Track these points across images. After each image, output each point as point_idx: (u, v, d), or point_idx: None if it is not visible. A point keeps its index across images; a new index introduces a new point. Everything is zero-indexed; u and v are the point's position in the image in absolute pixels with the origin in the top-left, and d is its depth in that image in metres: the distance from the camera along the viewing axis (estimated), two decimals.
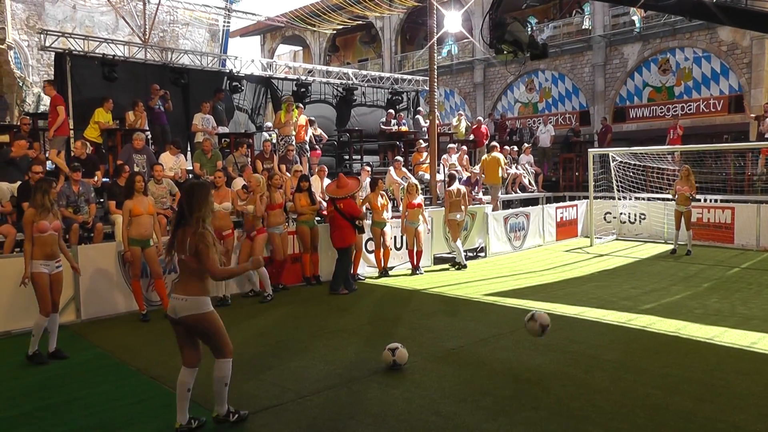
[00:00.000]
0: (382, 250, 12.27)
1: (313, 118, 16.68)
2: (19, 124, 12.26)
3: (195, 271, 4.94)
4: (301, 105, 16.13)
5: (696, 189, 14.29)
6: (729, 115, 23.58)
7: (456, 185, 13.19)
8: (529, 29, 10.34)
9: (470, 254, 14.52)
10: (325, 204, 12.15)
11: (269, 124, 16.88)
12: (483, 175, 16.81)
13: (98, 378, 6.65)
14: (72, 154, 12.34)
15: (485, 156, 17.32)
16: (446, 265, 13.53)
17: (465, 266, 13.14)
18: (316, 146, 16.17)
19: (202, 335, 5.04)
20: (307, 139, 15.56)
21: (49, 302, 7.13)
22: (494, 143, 17.93)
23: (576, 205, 17.97)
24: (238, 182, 11.56)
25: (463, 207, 13.10)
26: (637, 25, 25.77)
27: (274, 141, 14.99)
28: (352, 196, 11.37)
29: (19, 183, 10.19)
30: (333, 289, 10.87)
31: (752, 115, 19.39)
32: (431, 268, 13.28)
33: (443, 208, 13.58)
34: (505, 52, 10.03)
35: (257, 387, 6.18)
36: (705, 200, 16.29)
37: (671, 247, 14.72)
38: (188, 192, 5.05)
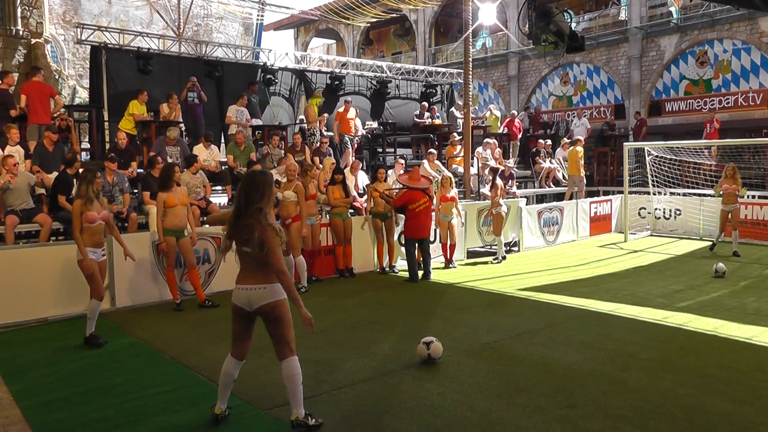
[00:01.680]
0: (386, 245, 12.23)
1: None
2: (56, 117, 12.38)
3: (261, 261, 4.74)
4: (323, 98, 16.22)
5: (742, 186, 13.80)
6: None
7: (499, 180, 13.22)
8: (569, 20, 10.19)
9: (504, 248, 14.42)
10: (357, 197, 12.16)
11: (302, 116, 16.94)
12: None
13: (134, 366, 6.73)
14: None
15: (570, 149, 17.79)
16: (480, 260, 13.44)
17: (504, 258, 13.17)
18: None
19: (275, 321, 4.84)
20: (359, 133, 15.64)
21: (102, 286, 7.39)
22: (578, 137, 18.29)
23: (610, 200, 17.75)
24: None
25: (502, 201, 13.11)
26: (675, 16, 25.21)
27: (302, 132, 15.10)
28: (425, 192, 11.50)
29: (55, 174, 10.34)
30: (425, 277, 11.39)
31: None
32: (464, 262, 13.21)
33: (477, 202, 13.51)
34: (544, 43, 9.88)
35: None
36: (743, 196, 15.95)
37: (708, 243, 14.41)
38: (249, 181, 4.85)
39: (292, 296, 4.77)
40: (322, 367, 6.53)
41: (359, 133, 16.54)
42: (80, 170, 9.56)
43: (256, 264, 4.78)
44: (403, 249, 12.14)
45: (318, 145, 14.25)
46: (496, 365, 6.51)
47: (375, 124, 18.09)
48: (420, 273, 11.45)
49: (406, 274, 11.56)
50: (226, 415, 5.13)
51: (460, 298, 9.96)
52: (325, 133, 15.09)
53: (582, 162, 17.74)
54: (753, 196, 15.90)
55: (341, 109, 16.04)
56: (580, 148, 17.67)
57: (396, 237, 12.18)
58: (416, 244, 11.47)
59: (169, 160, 11.38)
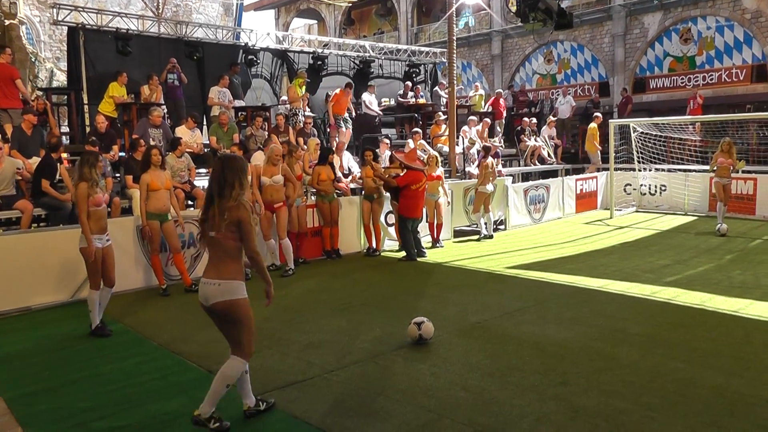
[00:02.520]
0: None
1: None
2: (34, 99, 12.16)
3: (230, 250, 4.56)
4: (307, 79, 16.04)
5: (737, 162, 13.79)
6: (752, 84, 23.17)
7: (490, 158, 13.15)
8: None
9: (492, 227, 14.42)
10: (342, 177, 12.06)
11: (285, 98, 16.78)
12: None
13: (122, 353, 6.62)
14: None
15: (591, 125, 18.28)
16: (466, 239, 13.41)
17: (491, 236, 13.24)
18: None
19: (231, 324, 4.64)
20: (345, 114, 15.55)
21: (100, 276, 7.15)
22: (596, 113, 18.78)
23: (596, 177, 17.77)
24: (258, 156, 11.46)
25: (491, 180, 13.10)
26: None
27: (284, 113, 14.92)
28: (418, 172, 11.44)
29: (35, 158, 10.16)
30: (421, 255, 11.38)
31: None
32: (452, 241, 13.18)
33: (463, 181, 13.46)
34: (533, 21, 9.81)
35: (282, 362, 6.13)
36: (738, 171, 15.94)
37: (694, 218, 14.44)
38: (222, 165, 4.64)
39: (262, 275, 4.65)
40: (312, 349, 6.48)
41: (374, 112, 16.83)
42: (63, 154, 9.38)
43: (222, 252, 4.57)
44: (390, 230, 12.09)
45: (302, 125, 14.11)
46: (488, 344, 6.48)
47: (392, 101, 18.27)
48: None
49: (391, 255, 11.49)
50: (264, 408, 4.95)
51: (448, 278, 9.93)
52: (307, 114, 14.93)
53: (598, 139, 18.23)
54: (737, 171, 15.94)
55: (338, 92, 15.75)
56: (594, 125, 18.19)
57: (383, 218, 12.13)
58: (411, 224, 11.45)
59: (152, 143, 11.22)
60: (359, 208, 11.92)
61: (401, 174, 11.36)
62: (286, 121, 13.99)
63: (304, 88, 15.09)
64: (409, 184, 11.20)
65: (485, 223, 13.38)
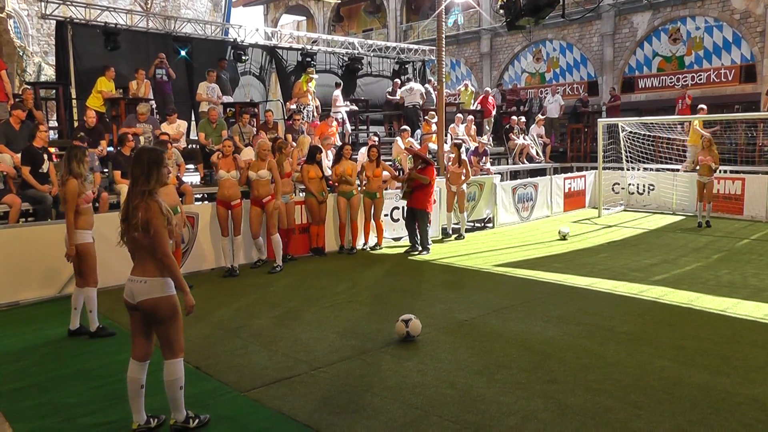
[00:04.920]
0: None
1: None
2: (21, 94, 12.08)
3: (149, 248, 4.36)
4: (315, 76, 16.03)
5: (719, 160, 13.95)
6: (740, 84, 23.32)
7: (464, 156, 13.15)
8: None
9: (478, 225, 14.44)
10: (330, 174, 12.04)
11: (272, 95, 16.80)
12: None
13: (109, 349, 6.58)
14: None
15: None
16: (449, 238, 13.37)
17: (462, 237, 13.15)
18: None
19: (158, 323, 4.47)
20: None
21: (95, 272, 7.02)
22: (701, 105, 17.36)
23: (584, 176, 17.83)
24: (248, 152, 11.43)
25: (462, 180, 12.89)
26: None
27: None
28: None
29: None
30: (425, 249, 11.60)
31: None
32: (438, 239, 13.18)
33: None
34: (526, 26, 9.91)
35: (269, 359, 6.11)
36: (716, 170, 16.06)
37: (682, 218, 14.55)
38: (136, 159, 4.42)
39: (177, 283, 4.45)
40: (300, 346, 6.46)
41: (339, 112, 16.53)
42: (51, 149, 9.27)
43: (145, 251, 4.39)
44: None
45: (309, 121, 14.20)
46: (475, 342, 6.49)
47: (353, 107, 17.91)
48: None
49: (379, 252, 11.59)
50: (155, 426, 4.68)
51: (436, 275, 9.94)
52: (308, 109, 14.97)
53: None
54: (725, 171, 16.05)
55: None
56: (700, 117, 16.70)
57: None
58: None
59: (141, 138, 11.16)
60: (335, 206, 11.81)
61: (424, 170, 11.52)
62: (288, 119, 14.02)
63: (313, 84, 15.05)
64: (431, 179, 11.45)
65: (456, 223, 13.38)
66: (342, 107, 16.69)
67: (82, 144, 9.97)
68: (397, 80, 19.53)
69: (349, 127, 16.73)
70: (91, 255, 6.97)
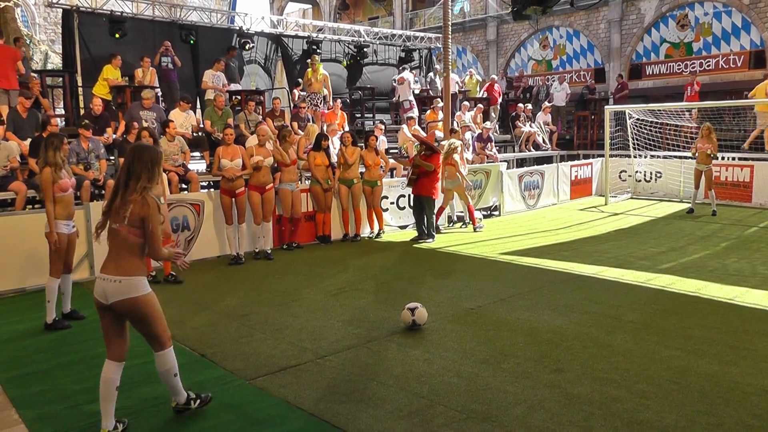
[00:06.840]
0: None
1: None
2: (28, 82, 12.09)
3: (131, 246, 4.25)
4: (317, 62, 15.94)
5: (717, 147, 13.92)
6: (749, 71, 23.11)
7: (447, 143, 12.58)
8: None
9: (484, 213, 14.38)
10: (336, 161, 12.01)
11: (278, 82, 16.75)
12: None
13: None
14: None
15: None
16: (456, 226, 13.35)
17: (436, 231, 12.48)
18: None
19: (137, 322, 4.34)
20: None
21: (62, 264, 6.93)
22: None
23: (591, 164, 17.74)
24: (252, 140, 11.39)
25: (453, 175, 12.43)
26: None
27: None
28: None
29: (29, 140, 10.09)
30: (430, 236, 11.57)
31: None
32: (445, 227, 13.15)
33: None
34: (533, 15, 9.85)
35: (274, 347, 6.10)
36: (723, 158, 15.96)
37: (688, 206, 14.48)
38: (132, 155, 4.33)
39: (168, 260, 4.45)
40: (305, 335, 6.45)
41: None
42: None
43: (124, 247, 4.25)
44: (386, 215, 12.09)
45: (314, 108, 14.18)
46: (482, 330, 6.46)
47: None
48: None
49: (386, 240, 11.52)
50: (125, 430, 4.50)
51: (442, 264, 9.90)
52: (317, 97, 14.91)
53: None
54: (733, 158, 15.94)
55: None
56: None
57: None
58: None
59: (144, 125, 11.12)
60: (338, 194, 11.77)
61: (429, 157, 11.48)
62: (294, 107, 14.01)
63: (319, 72, 14.98)
64: (437, 165, 11.43)
65: (461, 212, 13.35)
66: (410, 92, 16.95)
67: (87, 132, 10.02)
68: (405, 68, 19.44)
69: (416, 112, 16.83)
70: (62, 247, 6.85)
